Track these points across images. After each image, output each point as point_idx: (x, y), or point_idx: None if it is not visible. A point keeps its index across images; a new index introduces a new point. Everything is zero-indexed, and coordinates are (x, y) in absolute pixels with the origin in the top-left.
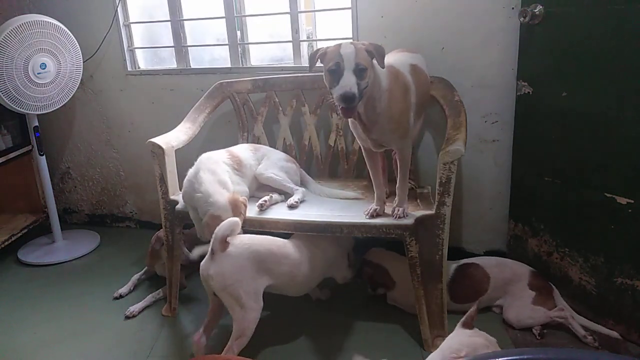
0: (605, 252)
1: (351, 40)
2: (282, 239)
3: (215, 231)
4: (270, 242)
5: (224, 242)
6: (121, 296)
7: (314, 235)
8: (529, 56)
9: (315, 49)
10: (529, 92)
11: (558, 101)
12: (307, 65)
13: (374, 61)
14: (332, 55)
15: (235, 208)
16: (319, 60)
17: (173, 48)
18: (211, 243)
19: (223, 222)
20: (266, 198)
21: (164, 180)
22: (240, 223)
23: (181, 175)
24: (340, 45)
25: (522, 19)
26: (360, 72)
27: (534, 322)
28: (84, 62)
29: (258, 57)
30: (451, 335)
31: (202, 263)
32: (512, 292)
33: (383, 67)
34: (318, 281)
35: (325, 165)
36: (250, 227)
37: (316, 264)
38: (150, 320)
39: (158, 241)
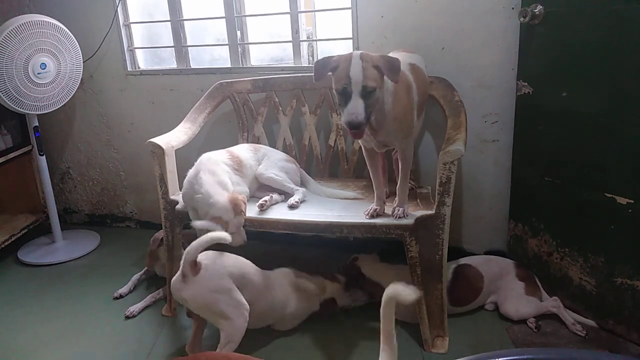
0: (605, 252)
1: (361, 52)
2: (252, 265)
3: (185, 255)
4: (241, 264)
5: (195, 266)
6: (121, 296)
7: (296, 277)
8: (529, 56)
9: (314, 49)
10: (529, 92)
11: (558, 101)
12: (307, 64)
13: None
14: (341, 74)
15: (236, 207)
16: (329, 73)
17: (173, 48)
18: (181, 266)
19: (191, 245)
20: (266, 198)
21: (164, 180)
22: (208, 241)
23: (181, 175)
24: (350, 60)
25: (522, 19)
26: (368, 94)
27: (532, 313)
28: (84, 62)
29: (258, 57)
30: None
31: (173, 283)
32: (503, 287)
33: (396, 82)
34: (273, 320)
35: (325, 165)
36: (251, 227)
37: (276, 305)
38: (150, 320)
39: (155, 242)
